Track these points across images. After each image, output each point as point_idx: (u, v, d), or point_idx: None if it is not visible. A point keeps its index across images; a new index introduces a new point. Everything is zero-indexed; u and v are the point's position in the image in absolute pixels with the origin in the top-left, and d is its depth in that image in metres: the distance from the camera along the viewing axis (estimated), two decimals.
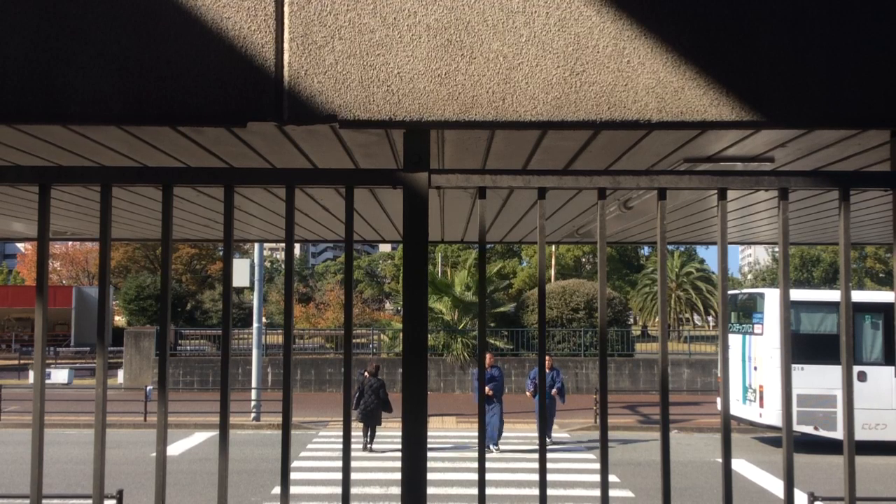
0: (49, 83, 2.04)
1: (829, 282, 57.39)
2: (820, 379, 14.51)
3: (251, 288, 21.00)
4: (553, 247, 42.59)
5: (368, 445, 14.94)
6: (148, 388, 19.44)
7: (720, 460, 2.24)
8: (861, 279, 55.28)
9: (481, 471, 2.21)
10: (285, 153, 3.00)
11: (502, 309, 26.78)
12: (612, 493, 11.42)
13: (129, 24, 2.05)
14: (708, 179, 2.17)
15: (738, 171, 2.41)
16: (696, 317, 55.52)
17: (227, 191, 2.17)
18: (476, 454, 13.73)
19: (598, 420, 16.54)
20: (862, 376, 14.74)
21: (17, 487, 11.42)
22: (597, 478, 10.98)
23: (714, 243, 7.97)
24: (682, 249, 52.81)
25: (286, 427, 2.17)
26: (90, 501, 2.27)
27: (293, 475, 12.74)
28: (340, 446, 12.24)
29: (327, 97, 2.06)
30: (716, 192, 2.21)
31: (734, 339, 16.18)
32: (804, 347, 14.54)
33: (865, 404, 14.22)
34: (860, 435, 13.56)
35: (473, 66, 2.07)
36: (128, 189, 4.02)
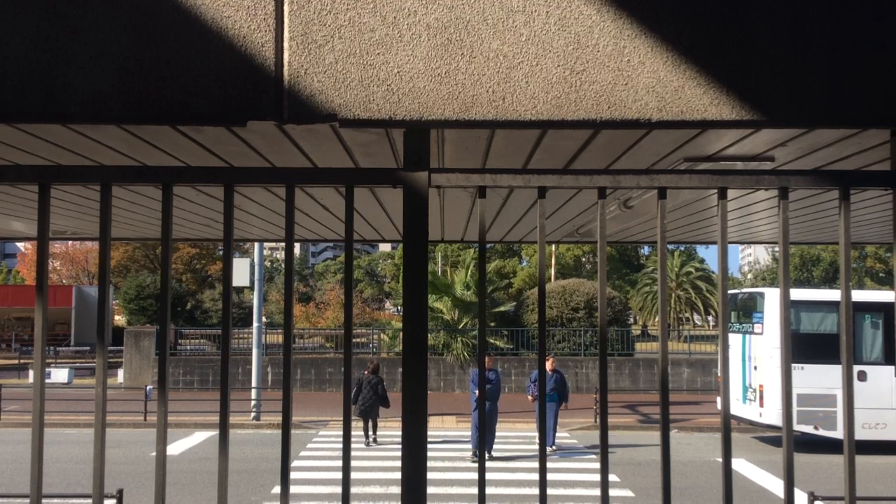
0: (49, 83, 2.04)
1: (829, 281, 57.39)
2: (820, 378, 14.51)
3: (251, 287, 21.01)
4: (553, 246, 42.59)
5: (372, 437, 15.58)
6: (148, 387, 19.44)
7: (720, 460, 2.24)
8: (861, 279, 55.29)
9: (481, 471, 2.21)
10: (285, 152, 3.00)
11: (502, 308, 26.78)
12: (613, 492, 11.42)
13: (129, 24, 2.05)
14: (708, 179, 2.17)
15: (738, 171, 2.41)
16: (696, 316, 55.51)
17: (226, 190, 2.17)
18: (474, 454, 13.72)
19: (598, 420, 16.53)
20: (862, 376, 14.74)
21: (17, 487, 11.42)
22: (597, 477, 10.98)
23: (714, 243, 7.97)
24: (682, 249, 52.81)
25: (286, 427, 2.17)
26: (90, 501, 2.27)
27: (293, 475, 12.74)
28: (340, 446, 12.24)
29: (327, 96, 2.06)
30: (716, 191, 2.21)
31: (734, 339, 16.18)
32: (804, 347, 14.54)
33: (865, 404, 14.22)
34: (860, 434, 13.56)
35: (473, 65, 2.07)
36: (128, 188, 4.02)
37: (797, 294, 15.51)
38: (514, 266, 51.74)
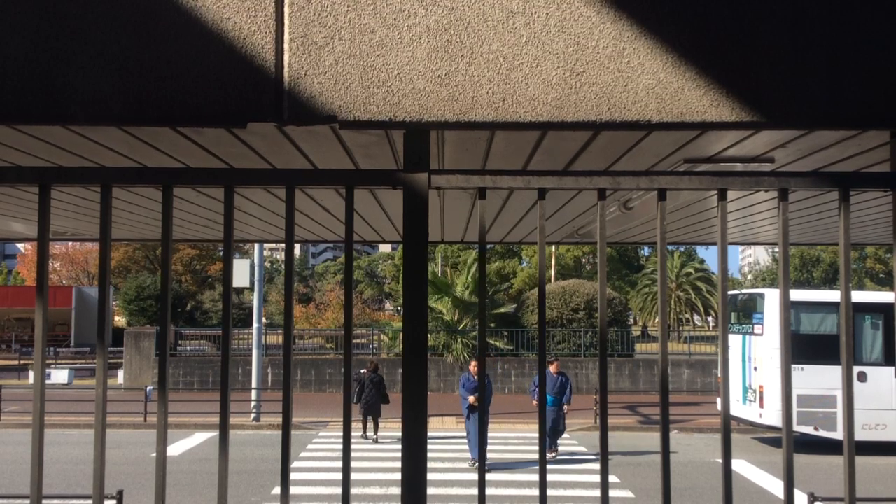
0: (49, 83, 2.04)
1: (829, 282, 57.38)
2: (820, 379, 14.51)
3: (251, 288, 21.00)
4: (553, 247, 42.58)
5: (374, 437, 15.99)
6: (148, 388, 19.44)
7: (720, 460, 2.24)
8: (861, 279, 55.28)
9: (481, 471, 2.21)
10: (285, 154, 3.00)
11: (502, 309, 26.77)
12: (612, 493, 11.42)
13: (129, 24, 2.05)
14: (708, 180, 2.17)
15: (738, 172, 2.41)
16: (696, 317, 55.53)
17: (227, 191, 2.17)
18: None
19: (598, 420, 16.53)
20: (862, 377, 14.74)
21: (17, 487, 11.42)
22: (597, 478, 11.00)
23: (714, 244, 7.97)
24: (682, 250, 52.81)
25: (286, 427, 2.17)
26: (90, 502, 2.26)
27: (293, 475, 12.74)
28: (340, 446, 12.23)
29: (327, 98, 2.06)
30: (716, 192, 2.21)
31: (734, 340, 16.18)
32: (804, 348, 14.54)
33: (865, 405, 14.21)
34: (860, 435, 13.55)
35: (473, 66, 2.07)
36: (128, 189, 4.02)
37: (797, 295, 15.51)
38: (514, 267, 51.73)
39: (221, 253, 2.50)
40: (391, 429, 16.22)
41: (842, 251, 2.18)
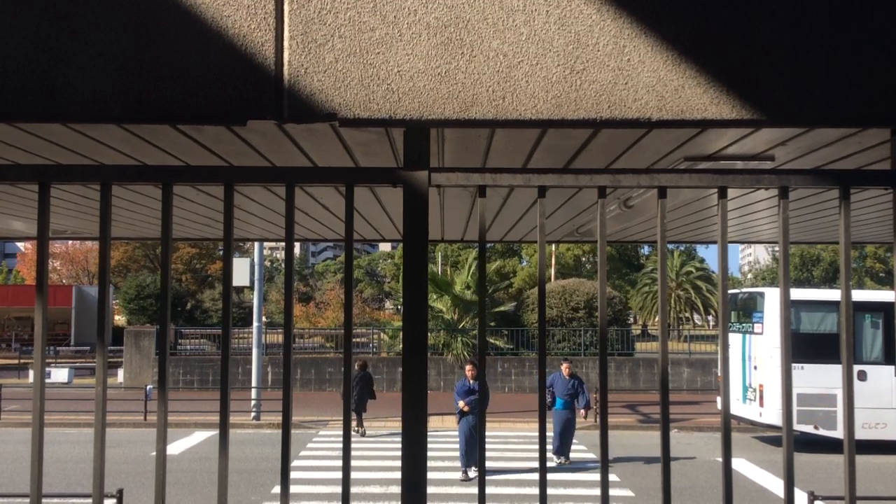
0: (49, 83, 2.04)
1: (829, 281, 57.39)
2: (820, 378, 14.51)
3: (251, 287, 21.01)
4: (553, 246, 42.59)
5: (361, 430, 16.84)
6: (148, 387, 19.43)
7: (720, 459, 2.24)
8: (861, 278, 55.29)
9: (481, 471, 2.21)
10: (285, 152, 3.00)
11: (502, 308, 26.77)
12: (613, 492, 11.42)
13: (129, 24, 2.05)
14: (708, 178, 2.17)
15: (738, 170, 2.41)
16: (696, 316, 55.51)
17: (226, 189, 2.17)
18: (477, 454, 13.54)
19: (598, 419, 16.52)
20: (862, 375, 14.74)
21: (17, 486, 11.42)
22: (597, 477, 11.00)
23: (714, 242, 7.96)
24: (682, 248, 52.82)
25: (286, 426, 2.17)
26: (90, 500, 2.27)
27: (293, 475, 12.74)
28: (340, 446, 12.24)
29: (327, 95, 2.06)
30: (716, 190, 2.21)
31: (734, 339, 16.18)
32: (804, 346, 14.54)
33: (865, 403, 14.22)
34: (860, 434, 13.55)
35: (473, 64, 2.07)
36: (128, 188, 4.02)
37: (797, 294, 15.51)
38: (514, 266, 51.73)
39: (221, 251, 2.50)
40: (390, 427, 16.21)
41: (842, 250, 2.18)
